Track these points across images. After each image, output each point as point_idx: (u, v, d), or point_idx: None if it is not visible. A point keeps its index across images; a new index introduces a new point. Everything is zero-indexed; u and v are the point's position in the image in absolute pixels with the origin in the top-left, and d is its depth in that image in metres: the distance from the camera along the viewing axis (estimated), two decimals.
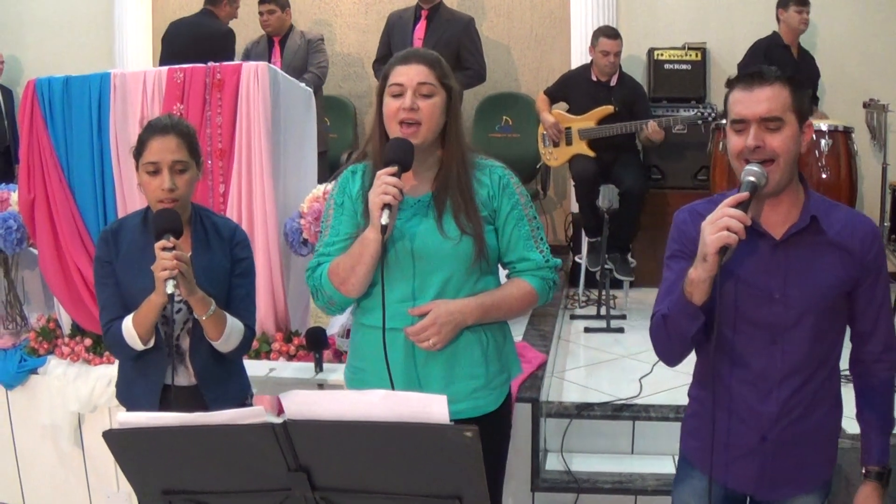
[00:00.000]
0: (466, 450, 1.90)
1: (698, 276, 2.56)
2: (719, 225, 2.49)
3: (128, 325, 3.22)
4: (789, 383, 2.73)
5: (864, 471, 2.88)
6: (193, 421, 2.01)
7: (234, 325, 3.31)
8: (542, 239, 3.15)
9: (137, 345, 3.24)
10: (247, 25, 8.53)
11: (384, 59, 8.07)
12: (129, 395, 3.44)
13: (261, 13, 8.02)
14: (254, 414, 1.97)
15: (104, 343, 3.37)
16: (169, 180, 3.21)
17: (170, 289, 3.04)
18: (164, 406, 3.29)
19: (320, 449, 1.99)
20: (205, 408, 3.29)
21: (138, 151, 3.27)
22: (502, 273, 3.22)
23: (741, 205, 2.53)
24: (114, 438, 2.07)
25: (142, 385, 3.36)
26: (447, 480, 1.97)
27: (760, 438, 2.77)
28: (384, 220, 2.77)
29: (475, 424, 2.95)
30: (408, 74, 2.97)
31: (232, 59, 6.88)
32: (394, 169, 2.83)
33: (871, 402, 2.87)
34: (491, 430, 3.10)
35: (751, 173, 2.59)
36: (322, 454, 2.00)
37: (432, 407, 1.89)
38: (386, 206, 2.78)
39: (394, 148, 2.89)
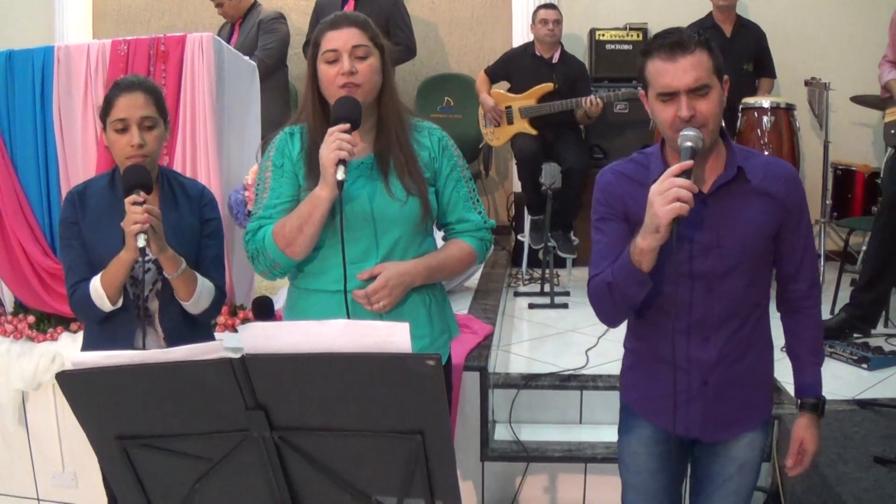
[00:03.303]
0: (428, 380, 1.88)
1: (648, 245, 2.58)
2: (670, 196, 2.51)
3: (96, 285, 3.20)
4: (726, 329, 2.83)
5: (799, 403, 3.02)
6: (149, 358, 1.99)
7: (204, 285, 3.30)
8: (478, 200, 3.22)
9: (105, 305, 3.21)
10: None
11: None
12: None
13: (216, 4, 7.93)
14: (211, 349, 1.95)
15: (70, 306, 3.32)
16: (138, 136, 3.19)
17: (141, 242, 3.02)
18: None
19: (279, 385, 1.97)
20: None
21: (105, 111, 3.25)
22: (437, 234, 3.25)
23: (685, 173, 2.54)
24: (67, 380, 2.03)
25: (109, 349, 3.27)
26: (409, 414, 1.96)
27: (702, 383, 2.85)
28: (340, 175, 2.76)
29: None
30: (341, 39, 2.97)
31: None
32: (346, 126, 2.83)
33: (801, 338, 3.00)
34: None
35: (688, 139, 2.61)
36: (281, 390, 1.97)
37: (394, 335, 1.88)
38: (341, 161, 2.77)
39: (342, 106, 2.89)
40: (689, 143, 2.59)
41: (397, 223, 2.99)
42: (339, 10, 7.72)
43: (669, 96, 2.65)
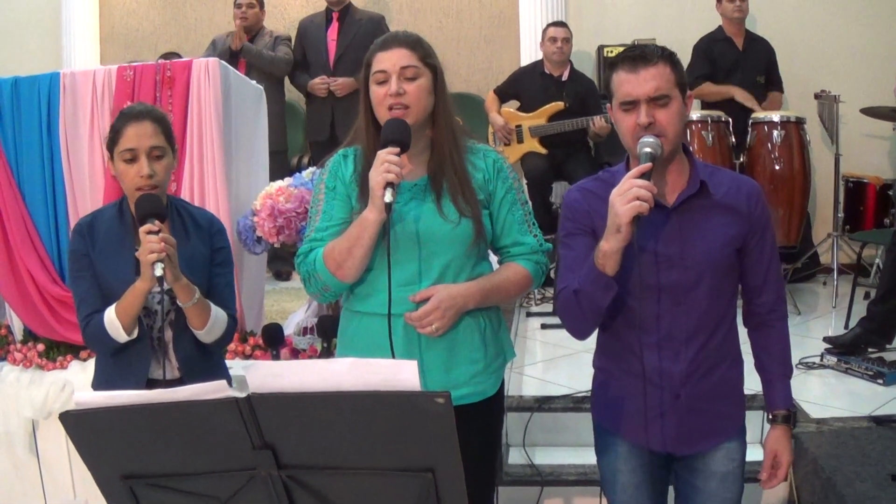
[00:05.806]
0: (438, 418, 1.84)
1: (611, 247, 2.64)
2: (629, 195, 2.57)
3: (111, 316, 3.16)
4: (695, 342, 2.87)
5: (770, 416, 3.05)
6: (154, 398, 1.95)
7: (217, 314, 3.28)
8: (534, 223, 3.16)
9: (121, 336, 3.18)
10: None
11: (298, 66, 8.03)
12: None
13: (239, 5, 7.99)
14: (216, 389, 1.92)
15: (83, 338, 3.29)
16: (147, 166, 3.17)
17: (158, 272, 3.00)
18: None
19: (286, 424, 1.93)
20: None
21: (112, 140, 3.22)
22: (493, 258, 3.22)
23: (644, 175, 2.61)
24: (71, 420, 2.00)
25: (124, 380, 3.26)
26: (419, 452, 1.92)
27: (674, 396, 2.89)
28: (388, 198, 2.75)
29: (477, 410, 3.00)
30: (390, 60, 2.96)
31: None
32: (395, 149, 2.81)
33: (770, 352, 3.05)
34: (491, 414, 3.16)
35: (646, 145, 2.68)
36: (288, 429, 1.94)
37: (402, 374, 1.84)
38: (389, 184, 2.76)
39: (391, 128, 2.88)
40: (647, 149, 2.67)
41: (449, 245, 2.97)
42: (321, 33, 7.86)
43: (631, 105, 2.73)
